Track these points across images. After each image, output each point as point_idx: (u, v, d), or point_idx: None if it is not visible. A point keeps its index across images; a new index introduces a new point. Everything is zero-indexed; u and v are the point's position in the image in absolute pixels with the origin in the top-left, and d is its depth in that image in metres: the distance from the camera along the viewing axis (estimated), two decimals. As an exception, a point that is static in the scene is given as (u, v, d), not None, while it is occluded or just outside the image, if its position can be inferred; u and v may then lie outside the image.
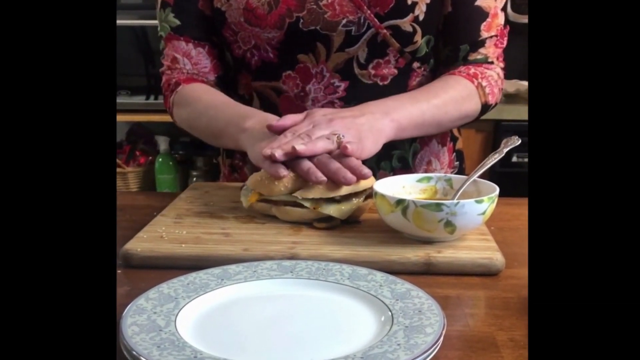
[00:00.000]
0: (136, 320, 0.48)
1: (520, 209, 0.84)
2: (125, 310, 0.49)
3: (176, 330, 0.47)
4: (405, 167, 0.96)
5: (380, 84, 0.91)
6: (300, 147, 0.69)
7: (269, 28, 0.87)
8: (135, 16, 2.38)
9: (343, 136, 0.73)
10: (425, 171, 0.98)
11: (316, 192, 0.69)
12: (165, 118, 2.31)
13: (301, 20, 0.86)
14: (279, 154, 0.70)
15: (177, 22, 0.95)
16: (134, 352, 0.44)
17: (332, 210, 0.70)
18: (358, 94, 0.90)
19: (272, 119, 0.78)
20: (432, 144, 0.99)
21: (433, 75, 0.97)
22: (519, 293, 0.58)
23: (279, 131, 0.75)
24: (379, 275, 0.57)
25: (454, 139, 1.04)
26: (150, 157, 2.47)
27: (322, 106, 0.91)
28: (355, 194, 0.72)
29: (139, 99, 2.33)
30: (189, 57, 0.96)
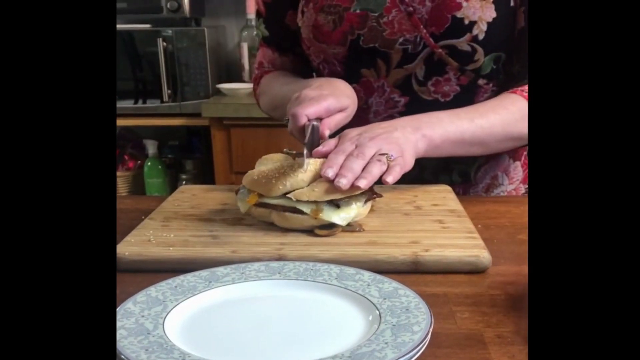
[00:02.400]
0: (124, 324, 0.48)
1: (506, 206, 0.85)
2: (113, 314, 0.49)
3: (164, 333, 0.47)
4: (467, 182, 0.95)
5: (442, 100, 0.90)
6: (362, 183, 0.67)
7: (334, 44, 0.90)
8: (121, 20, 2.38)
9: (392, 156, 0.71)
10: (489, 186, 0.97)
11: (311, 195, 0.68)
12: (154, 122, 2.34)
13: (362, 38, 0.88)
14: (343, 183, 0.67)
15: (267, 33, 1.04)
16: (122, 356, 0.44)
17: (332, 216, 0.68)
18: (418, 109, 0.89)
19: (310, 92, 0.79)
20: (501, 157, 0.96)
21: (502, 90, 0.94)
22: (505, 290, 0.59)
23: (322, 155, 0.74)
24: (367, 275, 0.57)
25: None
26: (139, 161, 2.46)
27: (383, 119, 0.93)
28: (355, 199, 0.70)
29: (127, 104, 2.33)
30: (274, 64, 1.06)
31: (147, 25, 2.32)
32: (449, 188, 0.88)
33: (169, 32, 2.26)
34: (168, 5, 2.26)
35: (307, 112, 0.75)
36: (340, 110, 0.79)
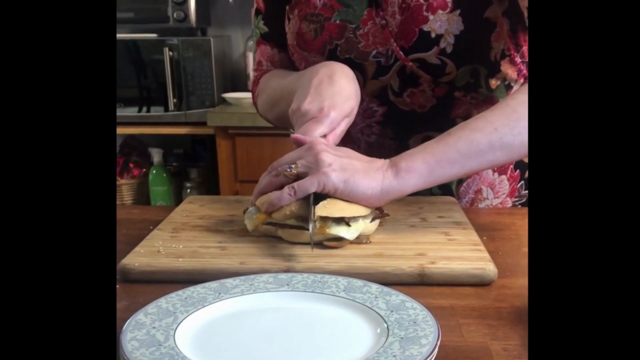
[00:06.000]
0: (136, 335, 0.49)
1: (511, 218, 0.85)
2: (125, 325, 0.50)
3: (175, 344, 0.48)
4: (448, 194, 0.95)
5: (419, 111, 0.90)
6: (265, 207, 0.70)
7: (314, 53, 0.91)
8: (126, 30, 2.40)
9: (288, 168, 0.71)
10: (473, 200, 0.97)
11: (323, 211, 0.68)
12: (159, 130, 2.36)
13: (339, 48, 0.89)
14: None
15: (266, 29, 1.03)
16: (135, 367, 0.44)
17: (340, 230, 0.68)
18: (396, 119, 0.92)
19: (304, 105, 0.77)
20: (484, 172, 0.96)
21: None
22: (511, 303, 0.59)
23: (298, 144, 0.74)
24: (374, 287, 0.57)
25: (523, 167, 0.99)
26: (144, 169, 2.47)
27: (361, 129, 0.95)
28: (363, 217, 0.70)
29: (132, 112, 2.34)
30: (272, 61, 1.04)
31: (154, 35, 2.34)
32: (454, 200, 0.89)
33: (175, 41, 2.27)
34: (174, 15, 2.28)
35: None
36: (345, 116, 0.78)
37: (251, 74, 2.45)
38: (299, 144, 0.73)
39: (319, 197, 0.69)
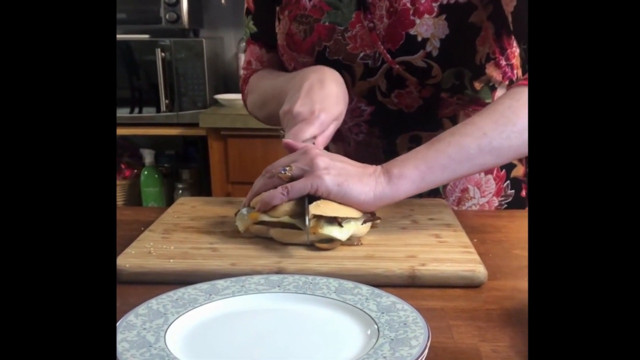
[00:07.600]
0: (126, 337, 0.49)
1: (501, 221, 0.86)
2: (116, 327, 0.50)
3: (166, 345, 0.48)
4: (435, 195, 0.96)
5: (406, 111, 0.92)
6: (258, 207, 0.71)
7: (303, 54, 0.92)
8: (119, 31, 2.39)
9: (283, 170, 0.71)
10: (460, 199, 0.98)
11: (316, 210, 0.68)
12: (150, 131, 2.35)
13: (327, 50, 0.90)
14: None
15: (255, 29, 1.04)
16: (125, 368, 0.44)
17: (332, 231, 0.68)
18: (384, 118, 0.93)
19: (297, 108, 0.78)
20: None
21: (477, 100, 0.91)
22: (501, 304, 0.60)
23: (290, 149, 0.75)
24: (365, 289, 0.58)
25: (509, 166, 0.99)
26: (136, 170, 2.47)
27: (350, 128, 0.96)
28: (354, 219, 0.71)
29: (123, 112, 2.34)
30: (261, 61, 1.05)
31: (146, 36, 2.34)
32: (444, 202, 0.89)
33: (167, 42, 2.27)
34: (167, 16, 2.28)
35: (302, 139, 0.75)
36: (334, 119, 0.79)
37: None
38: (292, 149, 0.74)
39: (312, 199, 0.70)
